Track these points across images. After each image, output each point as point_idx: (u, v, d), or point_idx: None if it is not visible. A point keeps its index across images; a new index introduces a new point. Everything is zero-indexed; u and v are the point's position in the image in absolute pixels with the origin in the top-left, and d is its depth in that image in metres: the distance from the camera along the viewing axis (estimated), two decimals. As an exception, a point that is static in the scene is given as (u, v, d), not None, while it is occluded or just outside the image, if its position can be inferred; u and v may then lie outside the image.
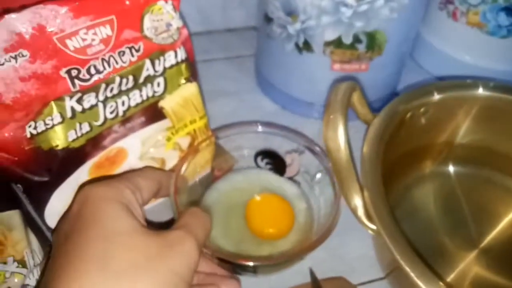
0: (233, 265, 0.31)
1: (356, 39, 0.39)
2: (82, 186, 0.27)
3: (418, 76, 0.53)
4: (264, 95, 0.50)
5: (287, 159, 0.39)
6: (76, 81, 0.29)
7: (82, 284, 0.21)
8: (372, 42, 0.39)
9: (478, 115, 0.37)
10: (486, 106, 0.36)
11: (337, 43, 0.39)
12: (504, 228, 0.36)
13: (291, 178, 0.39)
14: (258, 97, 0.51)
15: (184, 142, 0.36)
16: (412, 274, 0.25)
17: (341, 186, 0.29)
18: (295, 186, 0.39)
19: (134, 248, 0.23)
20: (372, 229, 0.29)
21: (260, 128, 0.39)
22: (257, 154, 0.40)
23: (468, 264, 0.35)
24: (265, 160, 0.40)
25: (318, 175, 0.37)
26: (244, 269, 0.32)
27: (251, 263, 0.30)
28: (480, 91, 0.36)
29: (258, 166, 0.40)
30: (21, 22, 0.27)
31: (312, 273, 0.34)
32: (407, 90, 0.38)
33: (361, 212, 0.29)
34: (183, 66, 0.34)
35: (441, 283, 0.25)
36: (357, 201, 0.29)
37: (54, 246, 0.25)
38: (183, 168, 0.35)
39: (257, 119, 0.48)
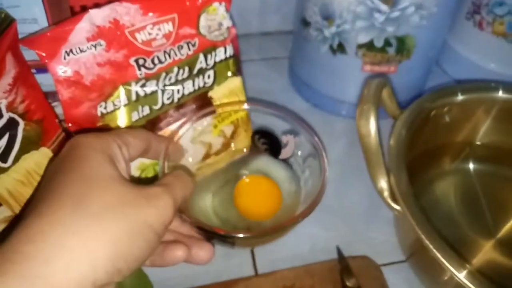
0: (211, 235, 0.31)
1: (387, 43, 0.42)
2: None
3: (443, 82, 0.56)
4: (297, 94, 0.54)
5: (283, 140, 0.40)
6: (142, 69, 0.34)
7: (54, 218, 0.21)
8: (402, 46, 0.42)
9: (498, 116, 0.40)
10: (506, 108, 0.39)
11: (369, 46, 0.43)
12: (519, 220, 0.39)
13: (284, 160, 0.40)
14: (291, 96, 0.54)
15: (228, 130, 0.40)
16: (434, 250, 0.29)
17: (370, 169, 0.33)
18: (287, 168, 0.40)
19: (110, 193, 0.23)
20: (396, 210, 0.32)
21: (259, 108, 0.39)
22: (255, 133, 0.41)
23: (485, 252, 0.37)
24: (262, 140, 0.41)
25: (310, 159, 0.37)
26: (222, 240, 0.33)
27: (224, 233, 0.31)
28: (500, 93, 0.39)
29: (255, 145, 0.41)
30: (101, 17, 0.32)
31: (339, 251, 0.37)
32: (431, 91, 0.41)
33: (386, 194, 0.32)
34: (230, 61, 0.38)
35: (459, 258, 0.28)
36: (383, 184, 0.32)
37: (40, 184, 0.26)
38: (179, 134, 0.36)
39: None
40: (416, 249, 0.35)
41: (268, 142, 0.40)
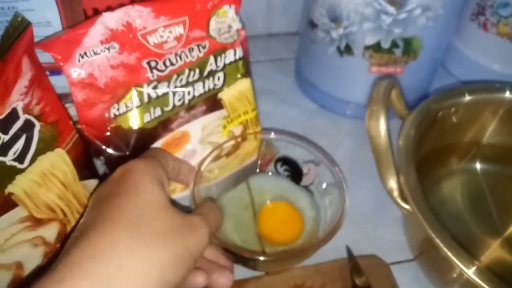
0: (234, 256, 0.33)
1: (394, 44, 0.43)
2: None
3: (448, 83, 0.56)
4: (303, 94, 0.55)
5: (304, 169, 0.41)
6: (154, 71, 0.34)
7: (113, 240, 0.24)
8: (409, 47, 0.43)
9: (505, 117, 0.41)
10: (512, 108, 0.40)
11: (376, 47, 0.43)
12: (526, 219, 0.40)
13: (305, 187, 0.42)
14: (298, 97, 0.55)
15: (237, 130, 0.41)
16: (443, 248, 0.29)
17: (380, 170, 0.33)
18: (308, 195, 0.41)
19: (162, 220, 0.26)
20: (406, 209, 0.32)
21: (283, 137, 0.41)
22: (277, 160, 0.43)
23: (492, 251, 0.38)
24: (284, 167, 0.42)
25: (330, 188, 0.39)
26: (244, 262, 0.35)
27: (249, 256, 0.33)
28: (507, 94, 0.39)
29: (277, 171, 0.43)
30: (114, 20, 0.32)
31: (348, 250, 0.38)
32: (438, 92, 0.41)
33: (396, 194, 0.33)
34: (240, 63, 0.39)
35: (468, 255, 0.28)
36: (393, 184, 0.33)
37: (91, 205, 0.28)
38: (204, 165, 0.38)
39: (296, 116, 0.53)
40: (425, 247, 0.35)
41: (289, 169, 0.42)
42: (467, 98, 0.39)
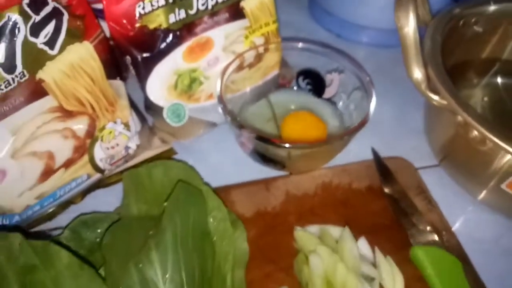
0: (263, 154, 0.34)
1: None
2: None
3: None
4: (318, 24, 0.54)
5: (327, 79, 0.41)
6: (179, -32, 0.34)
7: None
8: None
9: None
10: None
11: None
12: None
13: (328, 100, 0.41)
14: (312, 26, 0.55)
15: (259, 41, 0.40)
16: (486, 132, 0.29)
17: (406, 60, 0.33)
18: (331, 106, 0.41)
19: None
20: (436, 101, 0.32)
21: (302, 45, 0.40)
22: (299, 74, 0.42)
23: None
24: (306, 81, 0.42)
25: (355, 92, 0.39)
26: (272, 161, 0.35)
27: (280, 143, 0.33)
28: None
29: (298, 86, 0.42)
30: None
31: (374, 151, 0.38)
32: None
33: (424, 85, 0.33)
34: (262, -29, 0.38)
35: None
36: (419, 75, 0.33)
37: None
38: (228, 72, 0.37)
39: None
40: (452, 148, 0.36)
41: (311, 82, 0.41)
42: (491, 8, 0.39)
